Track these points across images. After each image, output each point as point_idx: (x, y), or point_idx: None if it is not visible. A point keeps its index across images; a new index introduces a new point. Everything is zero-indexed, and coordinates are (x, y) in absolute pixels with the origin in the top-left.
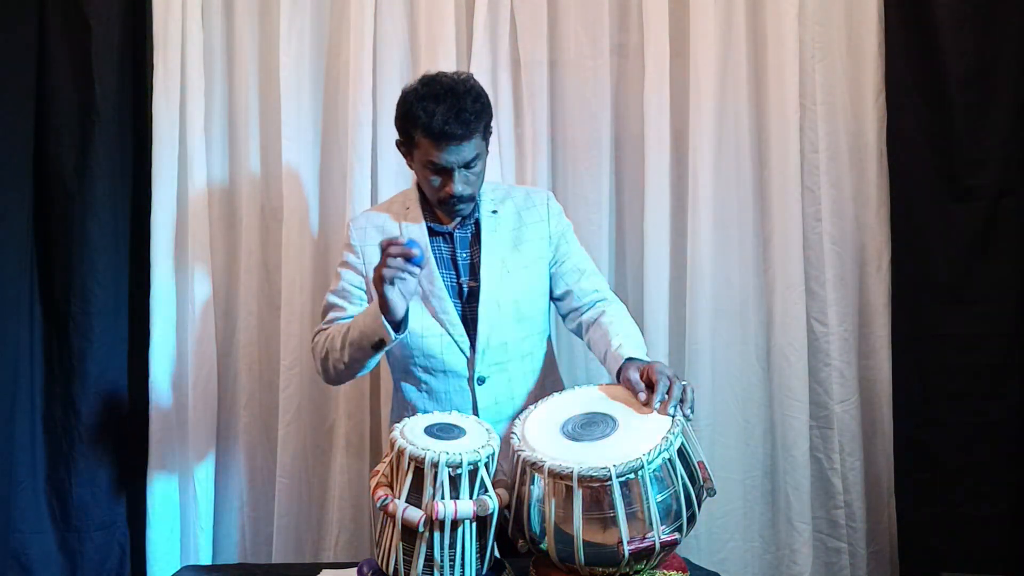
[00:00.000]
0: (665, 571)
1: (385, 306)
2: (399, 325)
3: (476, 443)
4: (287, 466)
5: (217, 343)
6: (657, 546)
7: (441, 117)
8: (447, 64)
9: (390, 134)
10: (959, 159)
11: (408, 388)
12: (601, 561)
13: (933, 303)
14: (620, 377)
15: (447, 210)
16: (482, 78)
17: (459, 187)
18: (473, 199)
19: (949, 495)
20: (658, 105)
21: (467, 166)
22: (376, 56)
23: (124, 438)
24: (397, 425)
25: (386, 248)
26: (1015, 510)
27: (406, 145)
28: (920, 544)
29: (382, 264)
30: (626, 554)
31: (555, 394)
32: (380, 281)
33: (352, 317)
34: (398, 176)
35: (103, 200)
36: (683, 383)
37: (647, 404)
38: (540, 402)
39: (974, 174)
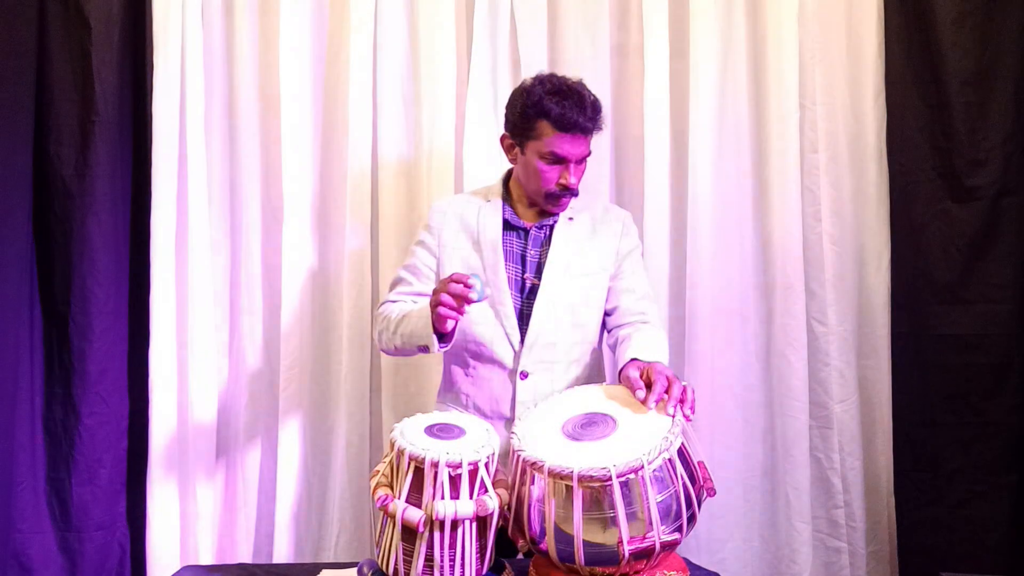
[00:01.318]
0: (665, 571)
1: (436, 321)
2: (444, 336)
3: (476, 443)
4: (287, 466)
5: (217, 343)
6: (657, 546)
7: (573, 110)
8: (447, 64)
9: (390, 134)
10: (959, 159)
11: (456, 371)
12: (601, 561)
13: (933, 303)
14: (620, 376)
15: (554, 202)
16: (482, 78)
17: (574, 179)
18: (577, 195)
19: (949, 495)
20: (658, 105)
21: (580, 161)
22: (376, 56)
23: (124, 438)
24: (397, 425)
25: (450, 282)
26: (1015, 510)
27: (521, 136)
28: (919, 544)
29: (440, 293)
30: (626, 554)
31: (556, 394)
32: (435, 305)
33: (417, 293)
34: (399, 176)
35: (103, 200)
36: (683, 383)
37: (645, 401)
38: (540, 402)
39: (974, 174)
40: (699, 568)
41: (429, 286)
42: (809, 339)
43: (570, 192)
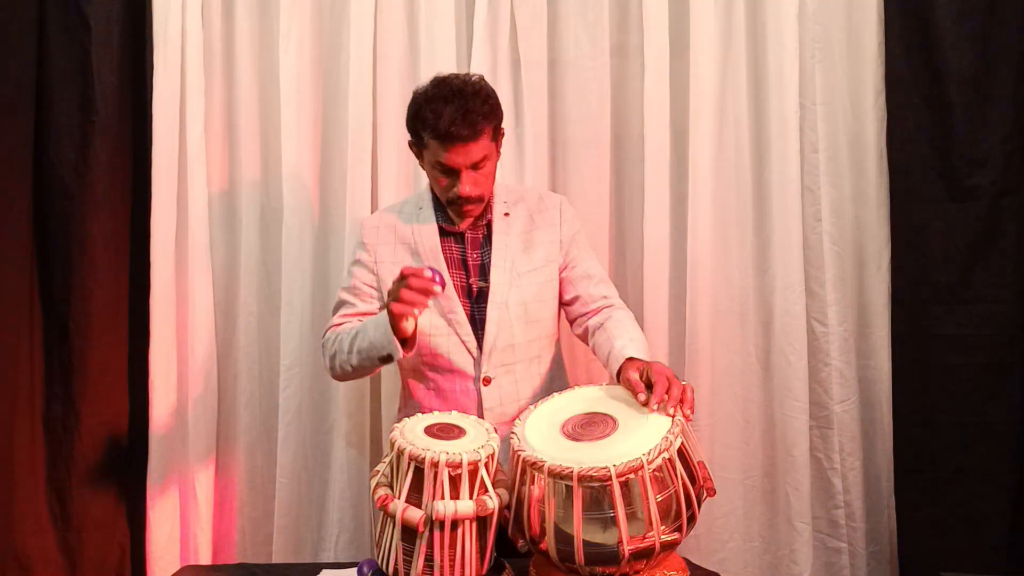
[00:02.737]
0: (665, 571)
1: (395, 326)
2: (407, 341)
3: (476, 443)
4: (287, 466)
5: (217, 343)
6: (657, 546)
7: (448, 118)
8: (447, 64)
9: (390, 134)
10: (959, 159)
11: (415, 386)
12: (601, 561)
13: (933, 303)
14: (620, 377)
15: (456, 210)
16: None
17: (467, 187)
18: (483, 199)
19: (949, 495)
20: (658, 105)
21: (475, 167)
22: (376, 56)
23: (124, 438)
24: (397, 425)
25: (406, 277)
26: (1015, 510)
27: (417, 146)
28: (920, 544)
29: (398, 293)
30: (626, 554)
31: (555, 394)
32: (392, 307)
33: (361, 313)
34: (399, 176)
35: (103, 200)
36: (683, 383)
37: (646, 404)
38: (540, 402)
39: (974, 174)
40: (699, 568)
41: (372, 305)
42: (809, 339)
43: (468, 200)
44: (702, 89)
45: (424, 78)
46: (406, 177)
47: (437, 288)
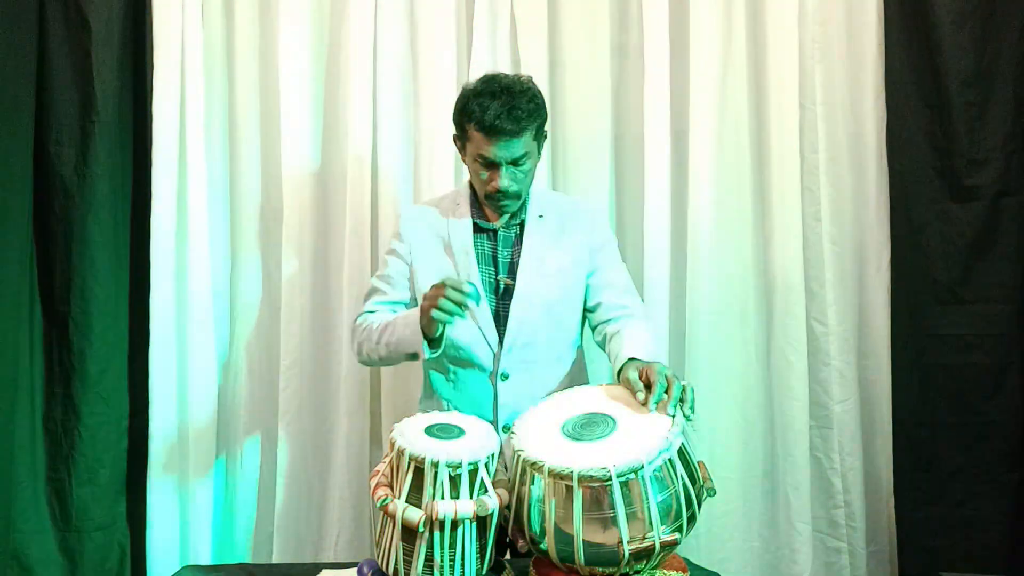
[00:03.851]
0: (665, 571)
1: (426, 326)
2: (434, 341)
3: (476, 443)
4: (287, 466)
5: (217, 343)
6: (657, 546)
7: (494, 112)
8: (447, 64)
9: (390, 134)
10: (959, 159)
11: (435, 376)
12: (601, 561)
13: (933, 303)
14: (620, 377)
15: (493, 204)
16: None
17: (505, 182)
18: (519, 197)
19: (949, 495)
20: (658, 105)
21: (516, 163)
22: (376, 56)
23: (124, 438)
24: (397, 425)
25: (445, 287)
26: (1015, 510)
27: (461, 139)
28: (919, 544)
29: (434, 301)
30: (626, 554)
31: (555, 394)
32: (426, 311)
33: (393, 300)
34: (399, 176)
35: (103, 200)
36: (682, 383)
37: (645, 403)
38: (540, 402)
39: (974, 174)
40: (699, 568)
41: (404, 294)
42: (809, 339)
43: (505, 195)
44: (702, 89)
45: (424, 78)
46: (406, 178)
47: (473, 302)
